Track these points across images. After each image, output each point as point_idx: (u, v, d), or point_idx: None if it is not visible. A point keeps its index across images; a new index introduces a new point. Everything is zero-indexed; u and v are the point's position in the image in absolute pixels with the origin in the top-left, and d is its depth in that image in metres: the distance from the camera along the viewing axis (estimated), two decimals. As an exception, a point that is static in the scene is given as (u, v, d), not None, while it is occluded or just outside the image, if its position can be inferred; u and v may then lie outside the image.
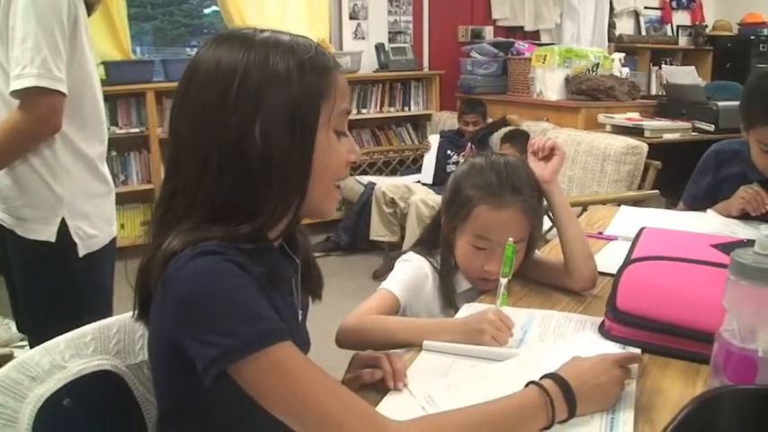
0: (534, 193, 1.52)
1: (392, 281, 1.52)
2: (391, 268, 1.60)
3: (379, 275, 4.42)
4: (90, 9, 1.85)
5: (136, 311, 1.03)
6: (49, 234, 1.78)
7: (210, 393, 0.90)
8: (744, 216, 2.03)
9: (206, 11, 5.91)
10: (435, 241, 1.61)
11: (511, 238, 1.36)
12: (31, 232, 1.78)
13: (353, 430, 0.87)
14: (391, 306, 1.47)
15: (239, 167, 0.94)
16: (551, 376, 1.01)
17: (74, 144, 1.79)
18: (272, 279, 0.98)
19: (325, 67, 0.99)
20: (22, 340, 3.46)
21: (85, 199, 1.83)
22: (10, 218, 1.80)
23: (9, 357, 3.13)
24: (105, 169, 1.92)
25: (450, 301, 1.55)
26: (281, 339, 0.88)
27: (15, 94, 1.64)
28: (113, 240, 1.93)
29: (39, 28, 1.63)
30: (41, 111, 1.67)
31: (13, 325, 3.56)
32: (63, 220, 1.79)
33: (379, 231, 4.53)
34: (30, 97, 1.64)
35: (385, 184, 4.62)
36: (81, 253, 1.81)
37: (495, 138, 4.67)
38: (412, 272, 1.56)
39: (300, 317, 1.14)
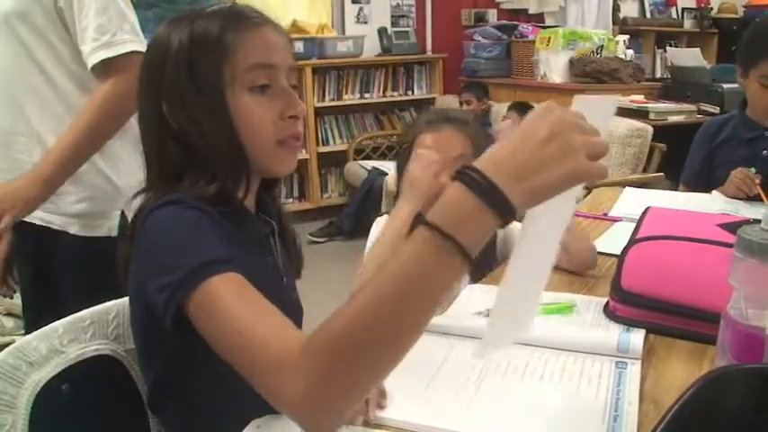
0: (470, 123, 1.69)
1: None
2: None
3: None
4: None
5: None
6: (109, 228, 1.71)
7: (191, 360, 0.89)
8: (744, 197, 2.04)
9: (208, -3, 5.89)
10: None
11: None
12: (89, 229, 1.70)
13: (260, 366, 0.76)
14: None
15: (168, 136, 0.99)
16: (455, 176, 0.70)
17: (131, 131, 1.69)
18: (243, 235, 0.99)
19: (227, 27, 0.99)
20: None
21: None
22: (60, 217, 1.70)
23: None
24: None
25: None
26: (223, 270, 0.84)
27: (105, 63, 1.58)
28: None
29: None
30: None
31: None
32: (123, 212, 1.73)
33: None
34: (127, 63, 1.58)
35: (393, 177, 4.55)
36: None
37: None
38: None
39: (285, 279, 1.15)
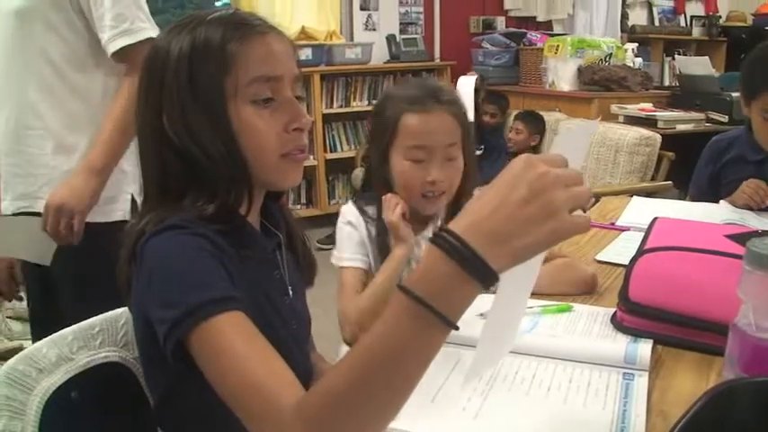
0: (459, 103, 1.53)
1: (344, 254, 1.56)
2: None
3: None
4: None
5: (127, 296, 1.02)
6: (122, 213, 1.76)
7: (194, 382, 0.86)
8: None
9: (217, 3, 5.92)
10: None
11: None
12: (102, 215, 1.73)
13: (256, 413, 0.77)
14: (364, 278, 1.51)
15: (169, 151, 0.96)
16: (433, 239, 0.68)
17: None
18: (247, 254, 0.97)
19: (230, 38, 0.96)
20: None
21: None
22: None
23: (19, 350, 3.14)
24: None
25: (385, 247, 1.53)
26: (225, 309, 0.83)
27: (124, 51, 1.64)
28: None
29: None
30: None
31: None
32: (132, 196, 1.78)
33: None
34: (146, 49, 1.63)
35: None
36: None
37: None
38: (349, 230, 1.59)
39: (291, 292, 1.13)
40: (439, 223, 1.58)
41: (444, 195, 1.52)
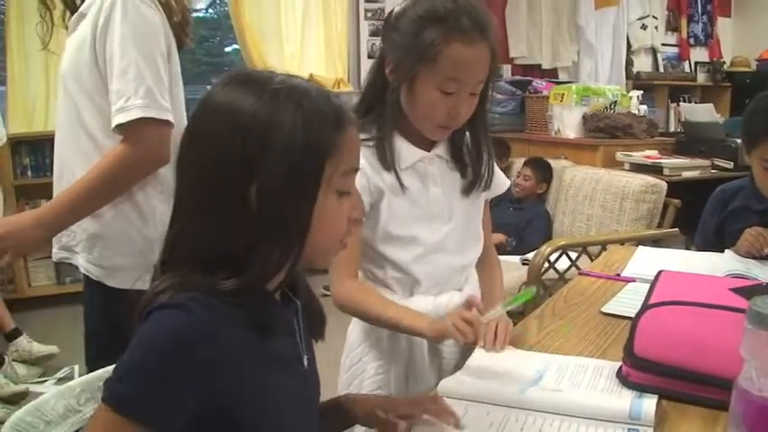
0: (494, 32, 1.41)
1: None
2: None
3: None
4: (180, 45, 1.78)
5: None
6: (144, 282, 1.71)
7: None
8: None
9: (227, 49, 6.01)
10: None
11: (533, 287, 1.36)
12: (123, 282, 1.66)
13: None
14: (357, 239, 1.47)
15: (232, 220, 0.90)
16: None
17: (167, 181, 1.68)
18: (262, 328, 0.94)
19: (336, 122, 0.92)
20: (41, 376, 3.49)
21: None
22: (97, 268, 1.71)
23: (24, 394, 3.15)
24: None
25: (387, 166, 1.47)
26: (125, 411, 0.82)
27: (120, 128, 1.57)
28: None
29: (140, 57, 1.57)
30: (149, 143, 1.59)
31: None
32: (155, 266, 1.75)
33: None
34: (136, 129, 1.57)
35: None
36: None
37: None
38: None
39: (306, 360, 1.07)
40: (441, 146, 1.54)
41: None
